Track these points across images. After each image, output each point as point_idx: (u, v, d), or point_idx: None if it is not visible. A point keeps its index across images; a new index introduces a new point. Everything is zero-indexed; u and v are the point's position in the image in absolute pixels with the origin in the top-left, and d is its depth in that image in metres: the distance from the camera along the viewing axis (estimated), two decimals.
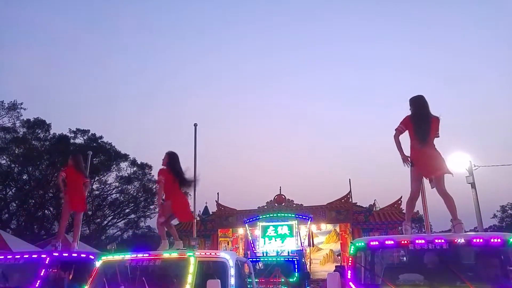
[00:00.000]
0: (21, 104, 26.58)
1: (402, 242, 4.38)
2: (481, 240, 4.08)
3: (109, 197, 31.72)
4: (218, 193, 25.90)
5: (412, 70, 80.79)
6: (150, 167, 32.31)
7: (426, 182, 5.02)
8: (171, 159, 6.19)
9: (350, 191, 23.39)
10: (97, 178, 29.42)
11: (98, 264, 5.28)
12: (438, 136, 5.04)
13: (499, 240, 4.02)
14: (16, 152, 26.75)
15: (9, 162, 27.00)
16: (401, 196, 22.25)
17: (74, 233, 7.22)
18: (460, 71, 78.37)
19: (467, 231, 5.10)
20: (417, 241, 4.27)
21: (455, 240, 4.13)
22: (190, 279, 4.57)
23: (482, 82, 76.69)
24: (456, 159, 14.78)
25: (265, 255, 15.58)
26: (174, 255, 5.04)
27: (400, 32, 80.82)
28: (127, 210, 33.09)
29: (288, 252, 17.06)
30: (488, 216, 39.13)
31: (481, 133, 75.29)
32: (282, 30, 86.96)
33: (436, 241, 4.19)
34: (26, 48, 74.55)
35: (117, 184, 31.33)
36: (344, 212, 23.12)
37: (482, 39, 76.09)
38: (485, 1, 73.74)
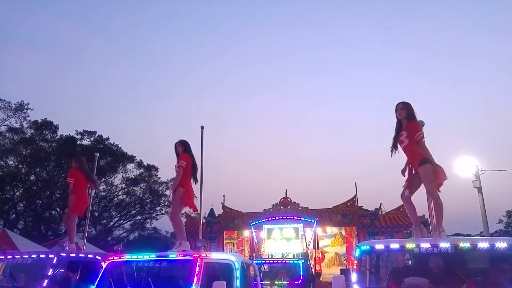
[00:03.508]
0: (28, 104, 26.83)
1: (407, 245, 4.39)
2: (487, 245, 4.08)
3: (115, 199, 31.92)
4: (224, 196, 25.99)
5: (418, 73, 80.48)
6: (156, 169, 32.53)
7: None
8: (189, 147, 6.25)
9: (356, 195, 23.34)
10: (103, 179, 29.63)
11: (104, 265, 5.33)
12: None
13: (505, 244, 4.01)
14: (24, 153, 27.04)
15: (16, 163, 27.29)
16: None
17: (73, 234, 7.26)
18: (467, 74, 77.92)
19: (473, 236, 5.12)
20: (422, 245, 4.27)
21: (461, 245, 4.13)
22: (196, 280, 4.61)
23: (490, 85, 76.16)
24: (463, 163, 14.72)
25: (270, 257, 15.59)
26: (180, 256, 5.08)
27: (404, 34, 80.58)
28: (133, 212, 33.28)
29: (294, 254, 17.05)
30: (493, 221, 38.78)
31: (488, 137, 74.69)
32: (288, 33, 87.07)
33: (442, 245, 4.19)
34: (33, 49, 75.36)
35: (123, 185, 31.60)
36: (349, 216, 23.06)
37: (488, 42, 75.63)
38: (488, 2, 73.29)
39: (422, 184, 4.86)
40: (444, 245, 4.16)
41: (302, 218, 19.87)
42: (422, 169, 4.79)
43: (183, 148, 6.22)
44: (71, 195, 7.20)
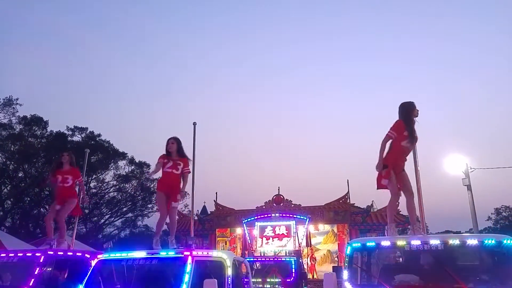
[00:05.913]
0: (17, 99, 26.39)
1: (398, 243, 4.40)
2: (476, 242, 4.11)
3: (106, 196, 31.65)
4: (216, 193, 25.87)
5: (413, 70, 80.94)
6: (148, 166, 32.23)
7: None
8: (182, 145, 6.21)
9: (348, 192, 23.41)
10: (94, 176, 29.34)
11: (93, 263, 5.24)
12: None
13: (493, 241, 4.05)
14: (12, 149, 26.59)
15: (4, 159, 26.84)
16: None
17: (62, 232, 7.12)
18: (458, 72, 78.60)
19: (462, 233, 5.18)
20: (413, 242, 4.29)
21: (450, 241, 4.16)
22: (187, 278, 4.57)
23: (481, 84, 76.92)
24: (453, 161, 14.85)
25: (262, 255, 15.56)
26: (171, 254, 5.03)
27: (401, 25, 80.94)
28: (124, 209, 33.01)
29: (286, 252, 17.04)
30: (483, 218, 39.35)
31: (478, 136, 75.52)
32: (281, 28, 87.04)
33: (432, 242, 4.21)
34: (25, 45, 74.32)
35: (114, 182, 31.31)
36: (342, 213, 23.14)
37: (483, 43, 76.28)
38: None
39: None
40: (435, 242, 4.19)
41: (294, 216, 19.89)
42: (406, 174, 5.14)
43: (177, 147, 6.07)
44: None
